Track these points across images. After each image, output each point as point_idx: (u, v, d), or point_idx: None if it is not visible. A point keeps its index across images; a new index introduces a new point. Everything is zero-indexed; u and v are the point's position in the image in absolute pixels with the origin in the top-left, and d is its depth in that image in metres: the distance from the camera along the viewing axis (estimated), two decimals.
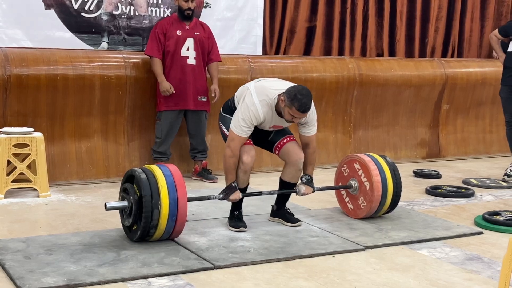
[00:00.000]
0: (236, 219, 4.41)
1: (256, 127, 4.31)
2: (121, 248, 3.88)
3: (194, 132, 6.04)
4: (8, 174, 5.16)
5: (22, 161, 5.21)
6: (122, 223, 4.11)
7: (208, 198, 4.30)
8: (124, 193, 4.03)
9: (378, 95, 7.32)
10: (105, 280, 3.37)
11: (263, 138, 4.50)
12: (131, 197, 3.91)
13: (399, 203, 5.30)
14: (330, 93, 7.01)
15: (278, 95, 4.15)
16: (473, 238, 4.42)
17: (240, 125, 4.17)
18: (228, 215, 4.48)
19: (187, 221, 4.54)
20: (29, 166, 5.23)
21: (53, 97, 5.68)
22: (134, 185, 3.94)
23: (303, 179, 4.50)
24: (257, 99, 4.16)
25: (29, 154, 5.21)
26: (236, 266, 3.68)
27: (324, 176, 6.39)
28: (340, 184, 4.87)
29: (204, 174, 6.07)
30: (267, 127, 4.34)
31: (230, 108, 4.42)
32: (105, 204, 3.97)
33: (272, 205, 4.66)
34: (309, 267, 3.73)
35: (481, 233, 4.52)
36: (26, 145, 5.20)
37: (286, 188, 4.56)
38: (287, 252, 3.92)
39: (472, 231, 4.54)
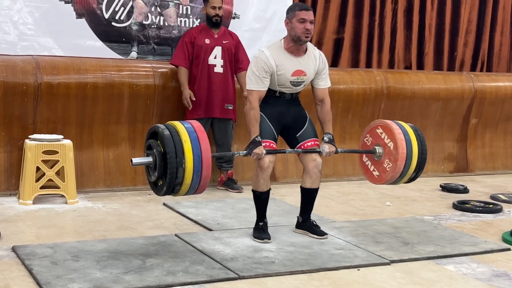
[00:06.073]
0: (260, 230, 4.40)
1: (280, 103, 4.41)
2: (147, 256, 3.91)
3: (220, 141, 6.06)
4: (37, 180, 5.23)
5: (51, 167, 5.28)
6: (148, 179, 4.05)
7: (233, 154, 4.32)
8: (148, 150, 3.98)
9: (406, 108, 7.28)
10: (131, 287, 3.40)
11: (293, 131, 4.51)
12: (156, 152, 3.85)
13: (426, 217, 5.29)
14: (357, 105, 7.00)
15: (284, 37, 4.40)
16: (501, 254, 4.36)
17: (254, 76, 4.29)
18: (253, 225, 4.49)
19: (211, 230, 4.59)
20: (57, 173, 5.29)
21: (83, 105, 5.75)
22: (158, 141, 3.89)
23: (325, 138, 4.46)
24: (264, 48, 4.40)
25: (58, 161, 5.27)
26: (261, 277, 3.68)
27: (349, 188, 6.38)
28: (364, 156, 4.74)
29: (230, 184, 6.09)
30: (289, 74, 4.36)
31: None
32: (131, 160, 3.95)
33: (298, 217, 4.64)
34: (333, 279, 3.71)
35: (508, 249, 4.46)
36: (55, 152, 5.27)
37: (308, 195, 4.52)
38: (311, 264, 3.91)
39: (500, 247, 4.48)
